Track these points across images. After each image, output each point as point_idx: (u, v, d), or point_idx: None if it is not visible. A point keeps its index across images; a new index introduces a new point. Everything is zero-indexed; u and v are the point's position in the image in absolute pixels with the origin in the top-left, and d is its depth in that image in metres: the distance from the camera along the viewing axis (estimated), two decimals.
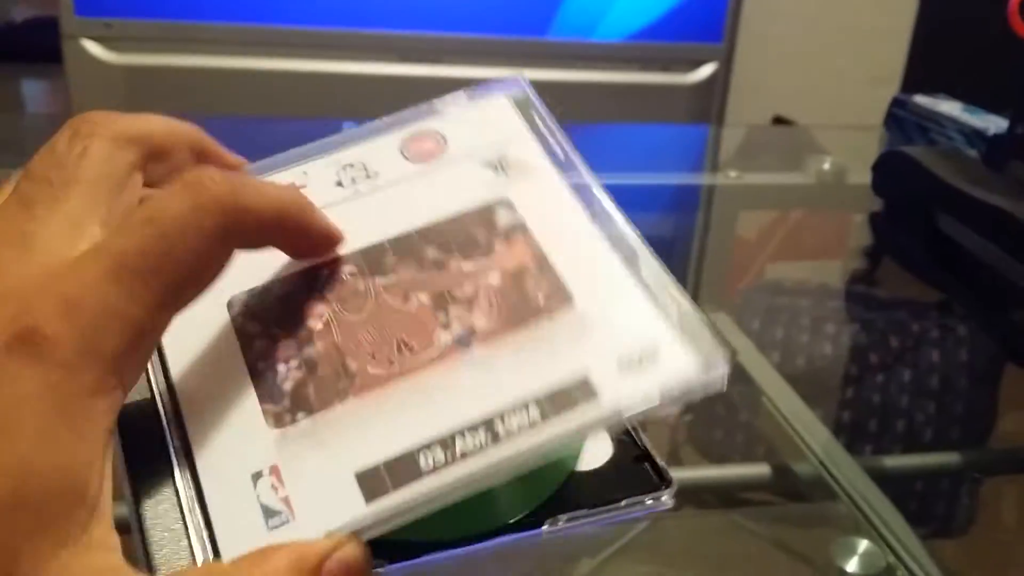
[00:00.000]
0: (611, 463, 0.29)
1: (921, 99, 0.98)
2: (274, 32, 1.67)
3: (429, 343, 0.25)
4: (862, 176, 0.86)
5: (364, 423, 0.24)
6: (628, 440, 0.29)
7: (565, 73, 1.72)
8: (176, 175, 0.24)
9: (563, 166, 0.29)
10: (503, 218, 0.28)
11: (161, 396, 0.25)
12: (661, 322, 0.25)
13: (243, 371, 0.25)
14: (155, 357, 0.26)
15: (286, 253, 0.27)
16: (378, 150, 0.30)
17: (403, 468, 0.23)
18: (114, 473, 0.21)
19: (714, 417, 0.66)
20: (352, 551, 0.22)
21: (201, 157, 0.28)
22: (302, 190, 0.28)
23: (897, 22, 1.71)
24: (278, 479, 0.23)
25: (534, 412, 0.24)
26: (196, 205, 0.22)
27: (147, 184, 0.27)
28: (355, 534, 0.22)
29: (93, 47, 1.63)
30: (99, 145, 0.24)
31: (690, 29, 1.77)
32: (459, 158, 0.29)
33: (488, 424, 0.23)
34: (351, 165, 0.30)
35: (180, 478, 0.24)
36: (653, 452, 0.29)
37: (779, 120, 1.84)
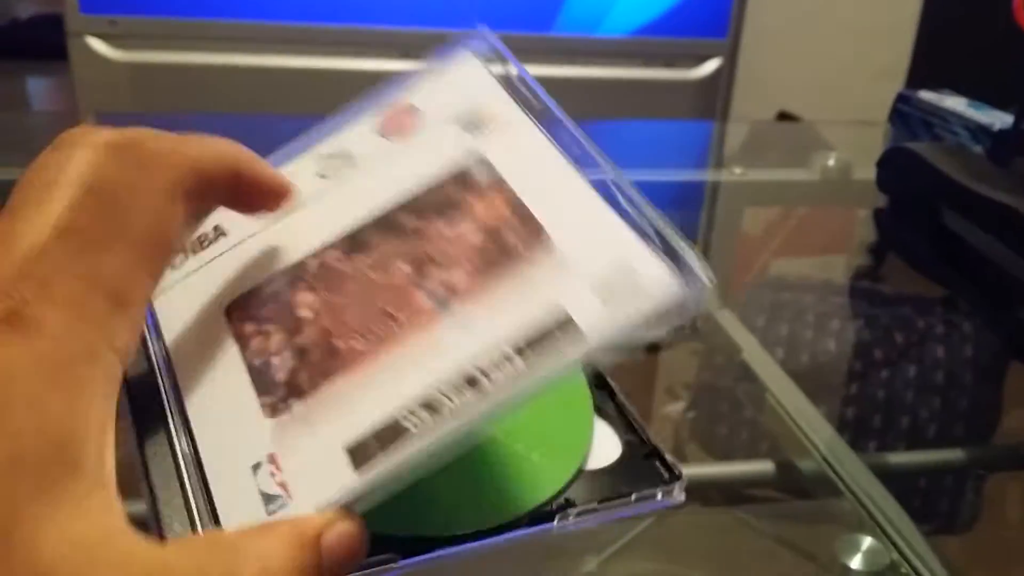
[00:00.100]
0: (620, 461, 0.29)
1: (926, 95, 0.97)
2: (279, 29, 1.67)
3: (413, 311, 0.26)
4: (867, 172, 0.86)
5: (351, 398, 0.24)
6: (636, 440, 0.30)
7: (569, 69, 1.72)
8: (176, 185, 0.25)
9: (537, 113, 0.29)
10: (480, 175, 0.28)
11: (168, 401, 0.26)
12: (639, 246, 0.25)
13: (242, 370, 0.26)
14: (162, 364, 0.27)
15: (239, 210, 0.28)
16: (356, 135, 0.30)
17: (389, 434, 0.23)
18: (128, 467, 0.22)
19: (718, 414, 0.66)
20: (347, 525, 0.22)
21: (203, 160, 0.28)
22: None
23: (902, 17, 1.71)
24: (276, 466, 0.24)
25: (517, 359, 0.24)
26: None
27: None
28: (349, 506, 0.23)
29: (98, 44, 1.64)
30: (81, 152, 0.25)
31: (694, 25, 1.77)
32: (435, 126, 0.30)
33: (470, 379, 0.24)
34: (332, 155, 0.30)
35: (187, 477, 0.24)
36: (661, 448, 0.29)
37: (784, 116, 1.83)
